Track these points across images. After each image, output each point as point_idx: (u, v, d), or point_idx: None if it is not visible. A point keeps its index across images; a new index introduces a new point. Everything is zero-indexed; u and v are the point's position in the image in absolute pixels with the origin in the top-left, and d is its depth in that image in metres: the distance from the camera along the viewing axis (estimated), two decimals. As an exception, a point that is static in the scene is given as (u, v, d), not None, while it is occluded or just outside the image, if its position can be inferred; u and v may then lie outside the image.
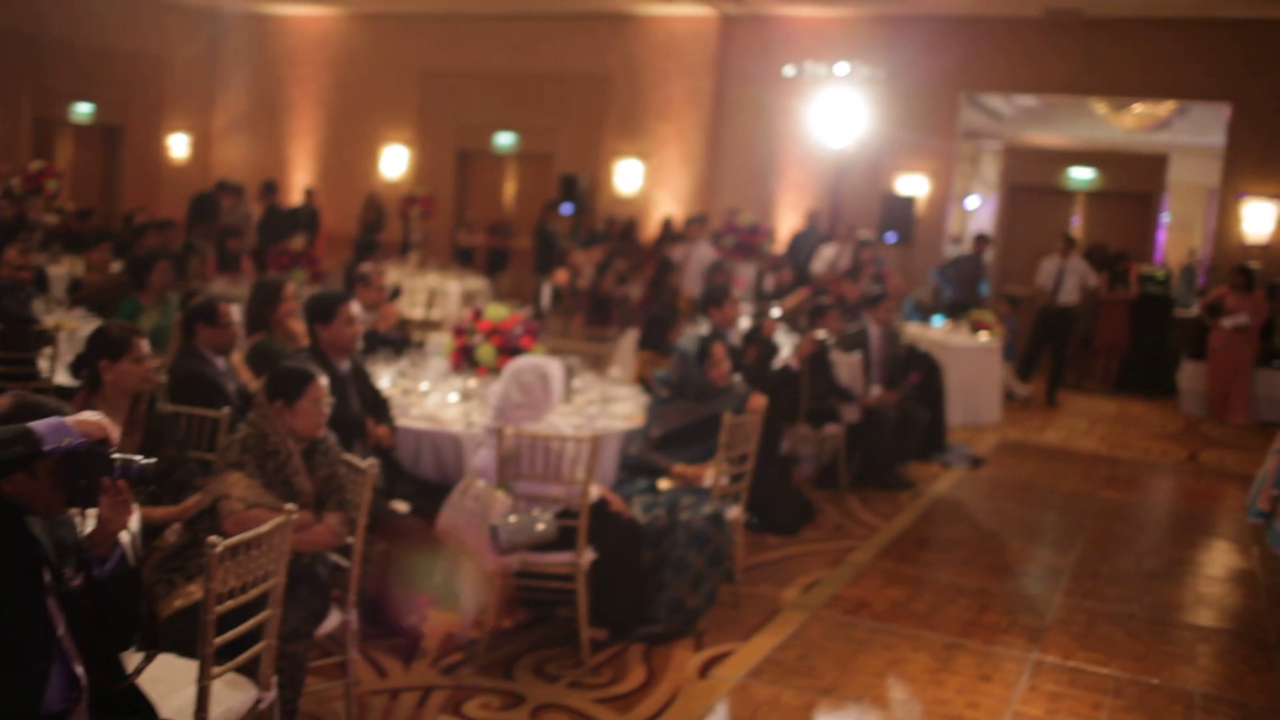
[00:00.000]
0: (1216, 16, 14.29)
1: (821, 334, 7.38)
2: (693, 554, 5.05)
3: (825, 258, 12.20)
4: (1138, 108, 17.21)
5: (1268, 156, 14.44)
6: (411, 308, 11.11)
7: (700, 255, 12.22)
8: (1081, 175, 16.11)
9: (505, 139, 17.62)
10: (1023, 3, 14.59)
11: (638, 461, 5.45)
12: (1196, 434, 11.48)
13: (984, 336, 10.92)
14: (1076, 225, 16.01)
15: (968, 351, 10.70)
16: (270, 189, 15.67)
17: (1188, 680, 5.07)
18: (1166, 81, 14.99)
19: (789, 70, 15.39)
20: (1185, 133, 17.13)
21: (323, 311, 5.19)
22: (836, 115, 14.57)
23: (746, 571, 5.84)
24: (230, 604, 3.03)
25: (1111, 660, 5.19)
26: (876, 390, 8.08)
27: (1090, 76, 15.23)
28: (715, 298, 6.81)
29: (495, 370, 5.93)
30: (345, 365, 5.22)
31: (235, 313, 5.19)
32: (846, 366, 7.96)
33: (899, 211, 15.23)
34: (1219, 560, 7.36)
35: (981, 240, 13.81)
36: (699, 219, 13.44)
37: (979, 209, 19.63)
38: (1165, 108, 16.89)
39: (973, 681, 4.85)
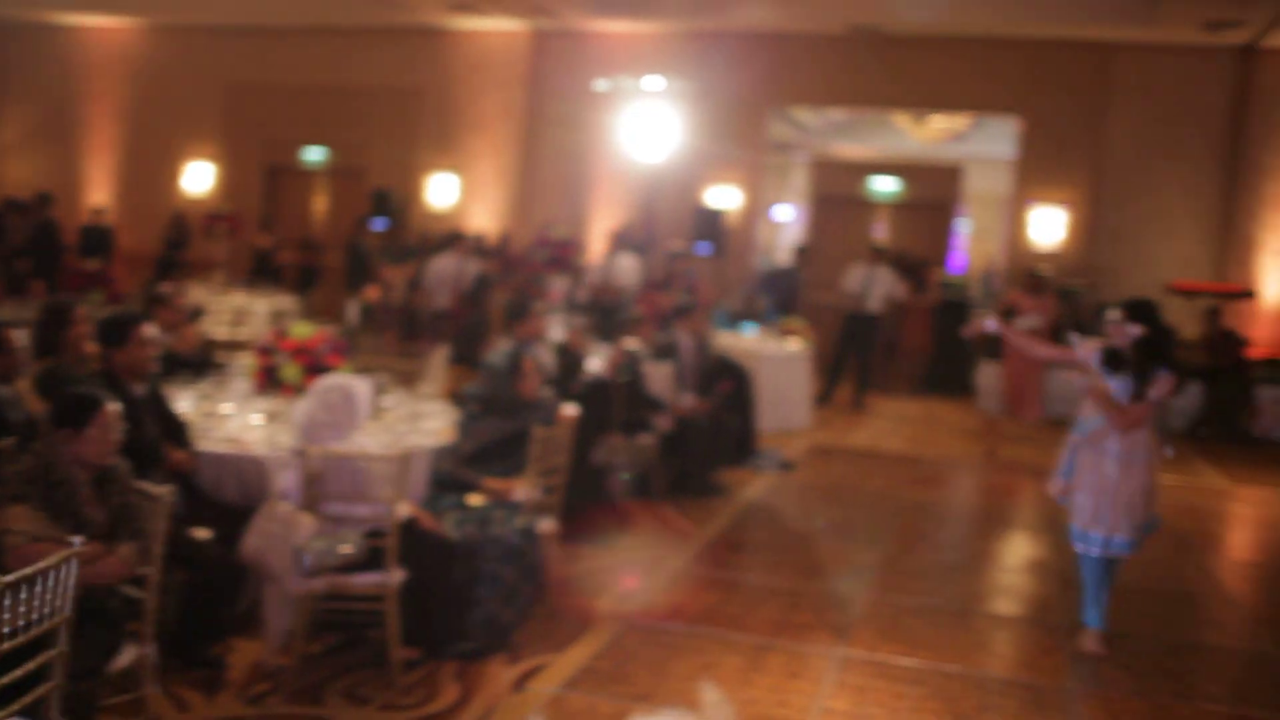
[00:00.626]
0: (1007, 35, 15.04)
1: (632, 344, 7.46)
2: (506, 568, 5.04)
3: (624, 269, 12.32)
4: (936, 121, 17.97)
5: (1055, 167, 15.26)
6: (216, 328, 10.78)
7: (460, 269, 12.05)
8: (884, 186, 16.72)
9: (315, 153, 17.27)
10: (827, 19, 15.08)
11: (448, 477, 5.42)
12: (994, 431, 12.01)
13: (794, 344, 11.22)
14: (880, 234, 16.58)
15: (778, 359, 10.97)
16: (44, 201, 14.78)
17: (984, 666, 5.31)
18: (962, 96, 15.70)
19: (601, 84, 15.53)
20: (980, 144, 17.96)
21: (115, 334, 5.02)
22: (648, 129, 14.76)
23: (562, 583, 5.86)
24: (9, 644, 2.90)
25: (914, 651, 5.39)
26: (688, 399, 8.22)
27: (892, 91, 15.83)
28: (518, 312, 6.81)
29: (301, 390, 5.80)
30: (140, 389, 5.05)
31: (19, 338, 4.96)
32: (658, 376, 8.08)
33: (711, 223, 15.51)
34: (1016, 550, 7.73)
35: (802, 253, 14.19)
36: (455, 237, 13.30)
37: (789, 220, 20.13)
38: (962, 121, 17.68)
39: (782, 680, 4.97)
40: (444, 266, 11.65)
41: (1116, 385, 5.38)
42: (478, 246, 12.68)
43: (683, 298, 9.43)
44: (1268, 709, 5.03)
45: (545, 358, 6.90)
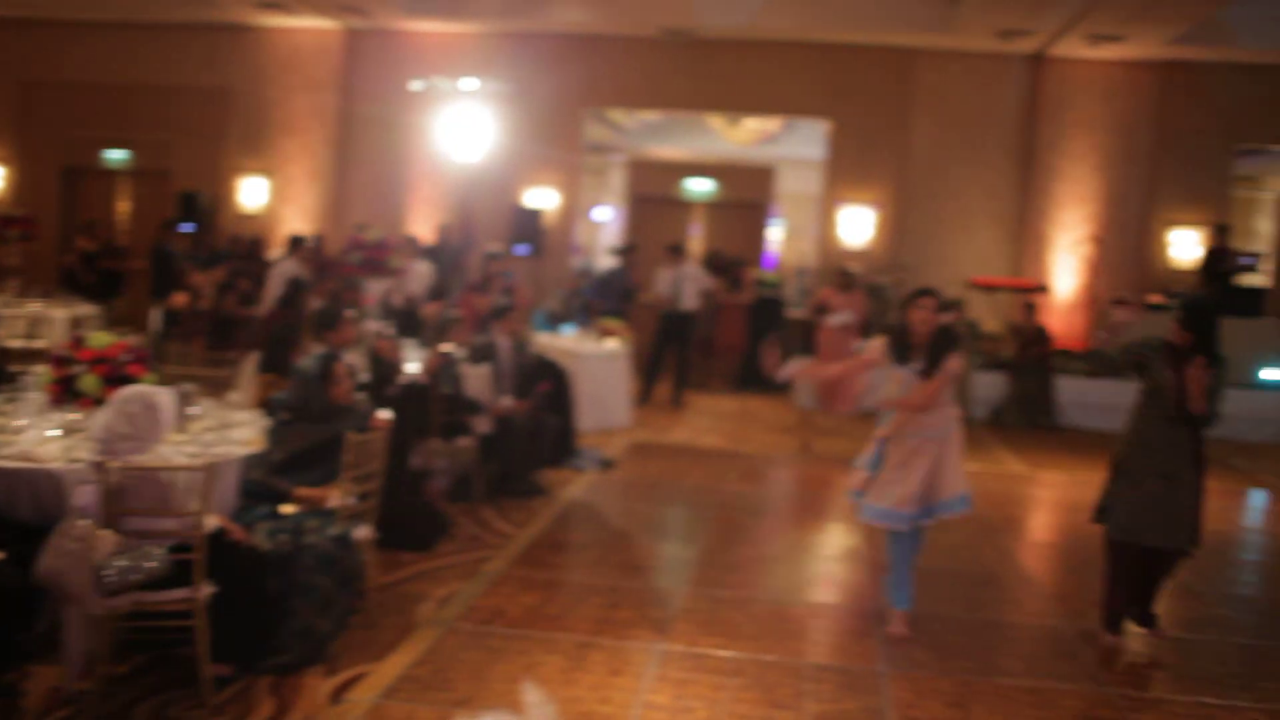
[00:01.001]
0: (816, 40, 15.49)
1: (448, 347, 7.41)
2: (321, 578, 4.94)
3: (420, 274, 12.21)
4: (749, 123, 18.35)
5: (863, 168, 15.78)
6: (10, 338, 10.24)
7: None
8: (699, 186, 16.99)
9: (117, 154, 16.58)
10: (639, 22, 15.24)
11: (259, 487, 5.28)
12: (808, 425, 12.38)
13: (612, 344, 11.30)
14: (695, 234, 16.85)
15: (597, 358, 11.05)
16: None
17: (801, 654, 5.46)
18: (773, 99, 16.08)
19: (416, 85, 15.34)
20: (792, 146, 18.43)
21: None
22: (465, 129, 14.65)
23: (381, 590, 5.79)
24: None
25: (732, 643, 5.51)
26: (507, 400, 8.20)
27: (704, 93, 16.11)
28: (328, 321, 6.66)
29: (101, 402, 5.56)
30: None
31: None
32: (476, 378, 8.04)
33: (528, 224, 15.52)
34: (831, 540, 7.96)
35: (625, 253, 14.29)
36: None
37: (608, 220, 20.25)
38: (774, 123, 18.10)
39: (604, 677, 5.01)
40: (285, 271, 11.37)
41: (906, 372, 5.65)
42: (316, 250, 12.36)
43: (500, 299, 9.40)
44: (1058, 678, 5.31)
45: (358, 363, 6.79)
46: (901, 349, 5.68)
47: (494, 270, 10.93)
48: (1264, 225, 16.54)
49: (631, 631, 5.58)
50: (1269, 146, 16.00)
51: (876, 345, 5.78)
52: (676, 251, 13.44)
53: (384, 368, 7.02)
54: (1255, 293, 14.14)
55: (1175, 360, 5.57)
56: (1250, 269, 14.17)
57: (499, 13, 15.29)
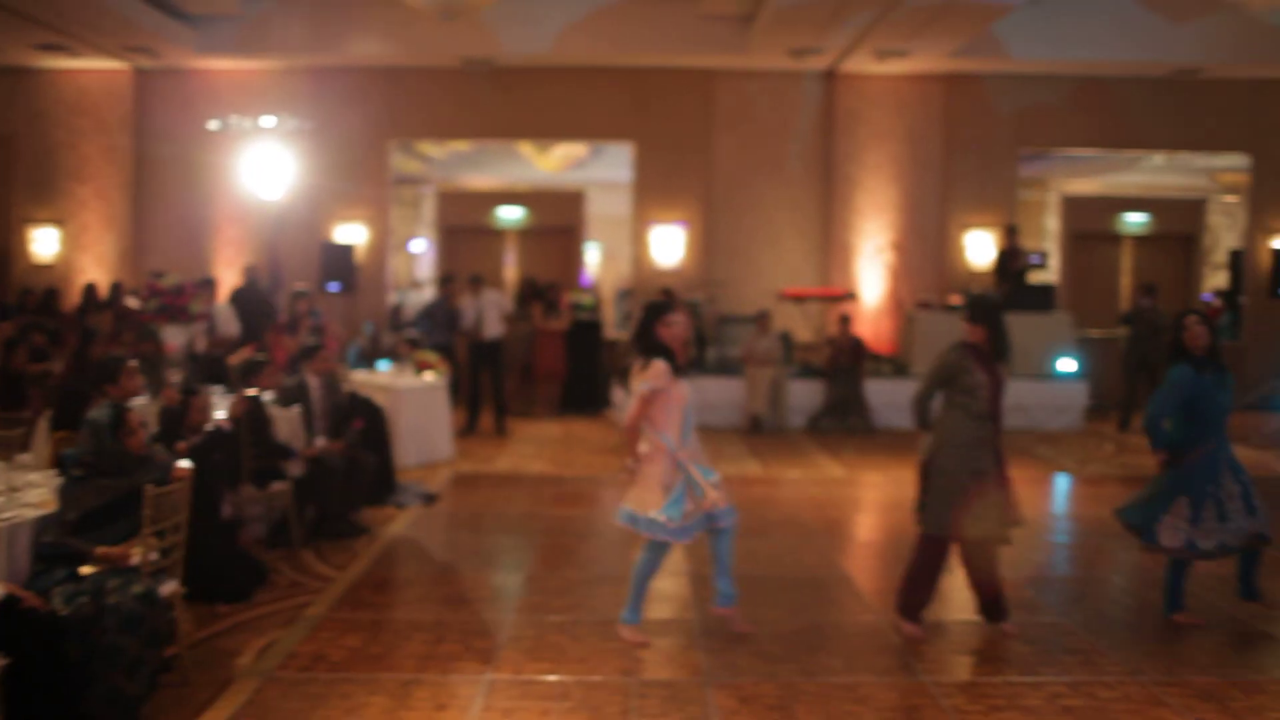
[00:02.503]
0: (616, 64, 15.69)
1: (253, 391, 7.22)
2: (126, 639, 4.74)
3: (224, 318, 11.95)
4: (558, 148, 18.47)
5: (670, 188, 16.05)
6: None
7: None
8: (511, 214, 17.00)
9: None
10: (440, 53, 15.20)
11: (53, 549, 5.04)
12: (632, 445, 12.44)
13: (429, 376, 11.20)
14: (510, 262, 16.85)
15: (416, 391, 10.93)
16: None
17: (627, 672, 5.49)
18: (577, 124, 16.24)
19: (214, 124, 14.98)
20: (602, 170, 18.62)
21: None
22: (267, 167, 14.35)
23: (196, 645, 5.60)
24: None
25: (559, 667, 5.51)
26: (320, 441, 8.04)
27: (510, 121, 16.16)
28: (107, 374, 6.35)
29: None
30: None
31: None
32: (287, 421, 7.86)
33: (339, 260, 15.28)
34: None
35: (448, 282, 14.17)
36: None
37: (424, 252, 20.08)
38: (582, 147, 18.25)
39: (430, 713, 4.95)
40: None
41: (685, 383, 5.83)
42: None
43: (309, 339, 9.22)
44: (876, 672, 5.49)
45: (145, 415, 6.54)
46: (672, 360, 5.77)
47: (302, 310, 10.72)
48: (1051, 223, 17.45)
49: (457, 665, 5.53)
50: (1050, 150, 16.92)
51: (661, 369, 5.74)
52: (476, 281, 13.45)
53: (171, 416, 6.78)
54: (1046, 289, 14.90)
55: (982, 360, 5.84)
56: (1040, 266, 14.92)
57: (295, 49, 15.05)
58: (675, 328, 5.76)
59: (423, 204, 19.66)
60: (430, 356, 11.43)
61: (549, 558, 7.66)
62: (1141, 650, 5.84)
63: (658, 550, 5.90)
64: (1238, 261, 17.37)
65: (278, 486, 7.61)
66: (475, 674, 5.41)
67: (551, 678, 5.37)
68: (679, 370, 5.79)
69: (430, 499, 9.28)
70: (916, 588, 6.03)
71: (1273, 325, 16.38)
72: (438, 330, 13.22)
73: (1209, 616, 6.40)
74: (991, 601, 6.09)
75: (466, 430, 12.86)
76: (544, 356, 14.41)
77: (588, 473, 10.87)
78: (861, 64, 15.41)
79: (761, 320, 13.85)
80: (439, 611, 6.40)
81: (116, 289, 12.76)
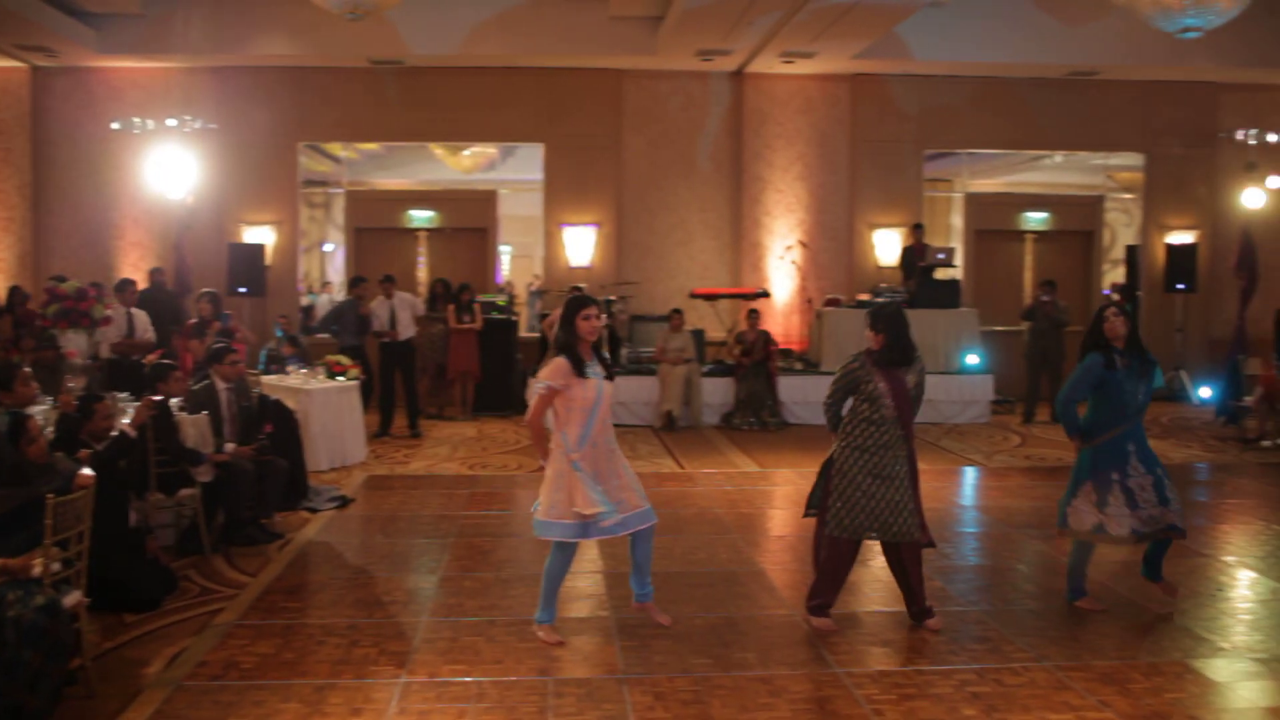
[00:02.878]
0: (525, 65, 15.68)
1: (158, 397, 7.10)
2: (27, 652, 4.64)
3: (124, 322, 11.70)
4: (470, 149, 18.37)
5: (581, 188, 16.08)
6: None
7: None
8: (423, 214, 16.89)
9: None
10: (347, 54, 15.07)
11: (-49, 562, 4.92)
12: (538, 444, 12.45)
13: (342, 379, 11.10)
14: (422, 263, 16.73)
15: (327, 394, 10.82)
16: None
17: (543, 671, 5.51)
18: (487, 125, 16.20)
19: (117, 124, 14.70)
20: (514, 170, 18.55)
21: None
22: (171, 168, 14.09)
23: (103, 656, 5.50)
24: None
25: (474, 668, 5.51)
26: (230, 446, 7.93)
27: (420, 123, 16.07)
28: (3, 380, 6.18)
29: None
30: None
31: None
32: (195, 425, 7.74)
33: (248, 262, 15.06)
34: (578, 556, 7.99)
35: (358, 284, 14.03)
36: None
37: (336, 253, 19.83)
38: (494, 147, 18.18)
39: (344, 718, 4.92)
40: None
41: (595, 380, 5.80)
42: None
43: (218, 341, 9.08)
44: (790, 665, 5.57)
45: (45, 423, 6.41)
46: (576, 358, 5.77)
47: (209, 312, 10.55)
48: (956, 221, 17.78)
49: (371, 669, 5.50)
50: (954, 150, 17.25)
51: (559, 367, 5.76)
52: (388, 282, 13.35)
53: (67, 424, 6.65)
54: (952, 285, 15.19)
55: (883, 368, 5.95)
56: (946, 263, 15.19)
57: (198, 49, 14.80)
58: (592, 320, 5.80)
59: (333, 205, 19.41)
60: (343, 359, 11.32)
61: (464, 559, 7.64)
62: (1046, 637, 6.00)
63: (564, 548, 5.90)
64: (1134, 257, 17.86)
65: (186, 493, 7.50)
66: (390, 677, 5.38)
67: (467, 679, 5.37)
68: (583, 368, 5.76)
69: (343, 502, 9.20)
70: (822, 587, 6.14)
71: (1167, 318, 16.90)
72: (348, 332, 13.11)
73: (1110, 602, 6.60)
74: (913, 602, 6.20)
75: (379, 433, 12.76)
76: (458, 357, 14.34)
77: (503, 473, 10.85)
78: (769, 65, 15.58)
79: (674, 319, 13.94)
80: (353, 615, 6.36)
81: (14, 293, 12.39)
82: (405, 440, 12.71)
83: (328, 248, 19.91)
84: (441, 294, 14.55)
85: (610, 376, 5.89)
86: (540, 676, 5.43)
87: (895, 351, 5.98)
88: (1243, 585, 7.20)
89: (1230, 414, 14.23)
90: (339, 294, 17.26)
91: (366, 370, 12.33)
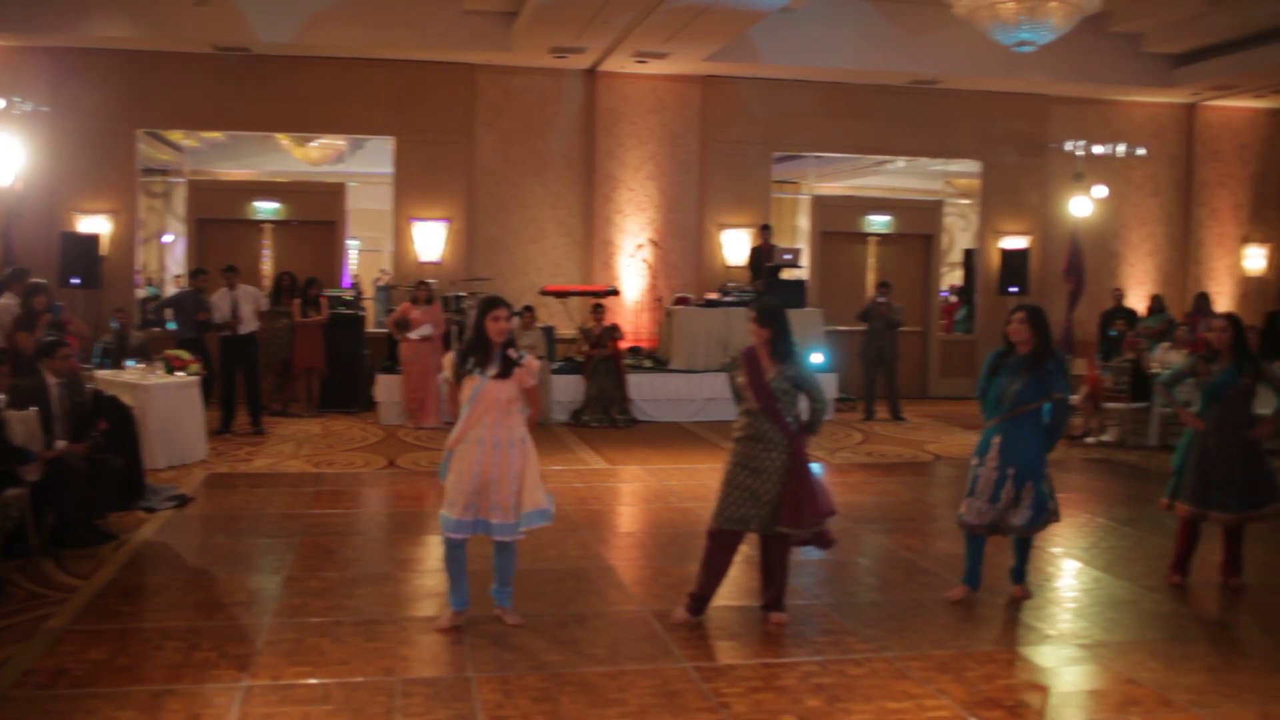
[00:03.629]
0: (377, 57, 15.44)
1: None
2: None
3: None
4: (318, 141, 18.02)
5: (431, 182, 15.92)
6: None
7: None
8: (268, 206, 16.48)
9: None
10: (190, 39, 14.64)
11: None
12: (395, 441, 12.35)
13: (181, 374, 10.77)
14: (266, 256, 16.34)
15: (166, 390, 10.50)
16: None
17: (391, 671, 5.44)
18: (336, 117, 15.91)
19: (-64, 105, 13.96)
20: (364, 163, 18.27)
21: None
22: (-2, 152, 13.45)
23: (-82, 666, 5.24)
24: None
25: (319, 670, 5.41)
26: (61, 443, 7.62)
27: (266, 113, 15.69)
28: None
29: None
30: None
31: None
32: (22, 423, 7.42)
33: (82, 252, 14.47)
34: (424, 555, 7.92)
35: (198, 275, 13.61)
36: None
37: (175, 244, 19.23)
38: (342, 140, 17.88)
39: (183, 724, 4.79)
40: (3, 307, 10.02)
41: (483, 379, 5.82)
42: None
43: (48, 335, 8.71)
44: (638, 660, 5.62)
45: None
46: (481, 353, 5.84)
47: (39, 305, 10.10)
48: (802, 223, 18.16)
49: (212, 673, 5.36)
50: (801, 153, 17.63)
51: (447, 361, 5.97)
52: (230, 272, 13.00)
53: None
54: (798, 285, 15.52)
55: (749, 364, 6.06)
56: (793, 264, 15.51)
57: (32, 27, 14.16)
58: (500, 322, 5.85)
59: (174, 195, 18.82)
60: (182, 353, 10.98)
61: (308, 558, 7.49)
62: (887, 629, 6.19)
63: (448, 545, 5.99)
64: (971, 260, 18.54)
65: (13, 492, 7.17)
66: (231, 681, 5.25)
67: (311, 681, 5.28)
68: (464, 366, 5.88)
69: (182, 501, 8.93)
70: (700, 578, 6.24)
71: (1001, 319, 17.53)
72: (186, 324, 12.72)
73: (939, 592, 6.85)
74: (769, 590, 6.31)
75: (221, 429, 12.43)
76: (303, 352, 14.05)
77: (349, 470, 10.68)
78: (622, 64, 15.67)
79: (524, 316, 13.90)
80: (192, 618, 6.19)
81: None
82: (248, 437, 12.41)
83: (168, 239, 19.29)
84: (287, 287, 14.23)
85: (505, 374, 5.88)
86: (387, 677, 5.37)
87: (777, 346, 6.08)
88: (1068, 575, 7.55)
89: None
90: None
91: (208, 365, 12.00)
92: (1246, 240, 18.77)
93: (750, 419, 6.07)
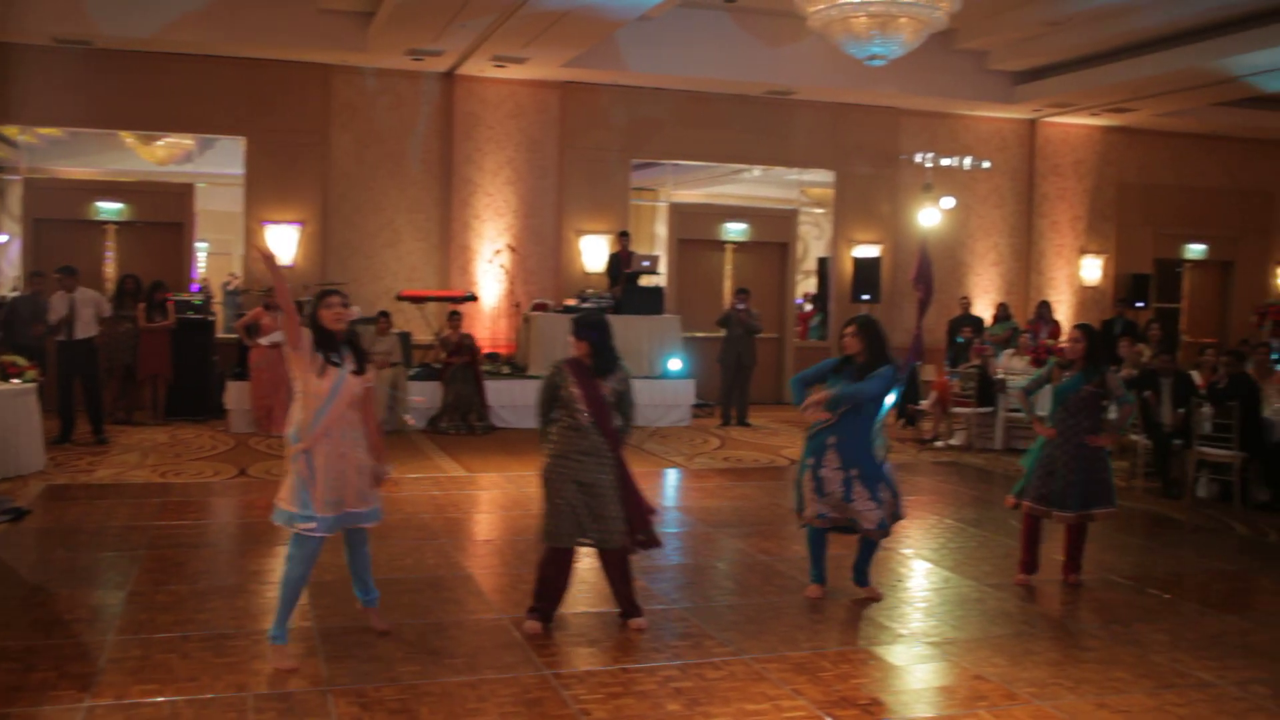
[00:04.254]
0: (228, 54, 15.04)
1: None
2: None
3: None
4: (164, 139, 17.43)
5: (285, 185, 15.57)
6: None
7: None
8: (111, 207, 15.90)
9: None
10: (29, 30, 14.05)
11: None
12: (246, 449, 12.03)
13: (17, 382, 10.32)
14: (109, 258, 15.77)
15: (1, 397, 10.03)
16: None
17: (243, 687, 5.28)
18: (186, 115, 15.47)
19: None
20: (211, 164, 17.74)
21: None
22: None
23: None
24: None
25: (167, 687, 5.23)
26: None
27: (110, 109, 15.18)
28: None
29: None
30: None
31: None
32: None
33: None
34: (272, 566, 7.72)
35: (36, 278, 13.02)
36: None
37: (9, 246, 18.38)
38: (190, 140, 17.34)
39: (20, 747, 4.58)
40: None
41: (338, 372, 5.65)
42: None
43: None
44: (498, 668, 5.58)
45: None
46: (331, 347, 5.66)
47: None
48: (661, 230, 18.30)
49: (50, 694, 5.13)
50: (660, 160, 17.77)
51: (305, 335, 5.66)
52: (68, 274, 12.44)
53: None
54: (656, 292, 15.63)
55: (580, 375, 6.05)
56: (651, 271, 15.62)
57: None
58: (332, 309, 5.67)
59: (9, 193, 17.99)
60: (18, 359, 10.52)
61: (154, 572, 7.24)
62: (744, 631, 6.26)
63: (302, 548, 5.64)
64: (824, 268, 18.94)
65: None
66: (72, 702, 5.04)
67: (159, 699, 5.10)
68: (338, 359, 5.65)
69: (18, 515, 8.54)
70: (539, 594, 6.20)
71: (855, 327, 17.95)
72: (20, 330, 12.18)
73: (800, 594, 6.98)
74: (622, 601, 6.32)
75: (60, 439, 11.93)
76: (148, 358, 13.59)
77: (198, 480, 10.37)
78: (481, 68, 15.57)
79: (380, 322, 13.70)
80: (29, 637, 5.92)
81: None
82: (89, 447, 11.94)
83: (1, 239, 18.43)
84: (131, 291, 13.75)
85: (361, 370, 5.72)
86: (239, 692, 5.21)
87: (598, 359, 6.09)
88: (919, 575, 7.76)
89: (908, 417, 15.28)
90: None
91: (45, 371, 11.51)
92: (1084, 251, 19.60)
93: (578, 433, 6.03)
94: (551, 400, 6.14)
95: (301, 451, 5.58)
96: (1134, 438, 11.19)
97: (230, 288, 17.96)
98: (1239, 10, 14.01)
